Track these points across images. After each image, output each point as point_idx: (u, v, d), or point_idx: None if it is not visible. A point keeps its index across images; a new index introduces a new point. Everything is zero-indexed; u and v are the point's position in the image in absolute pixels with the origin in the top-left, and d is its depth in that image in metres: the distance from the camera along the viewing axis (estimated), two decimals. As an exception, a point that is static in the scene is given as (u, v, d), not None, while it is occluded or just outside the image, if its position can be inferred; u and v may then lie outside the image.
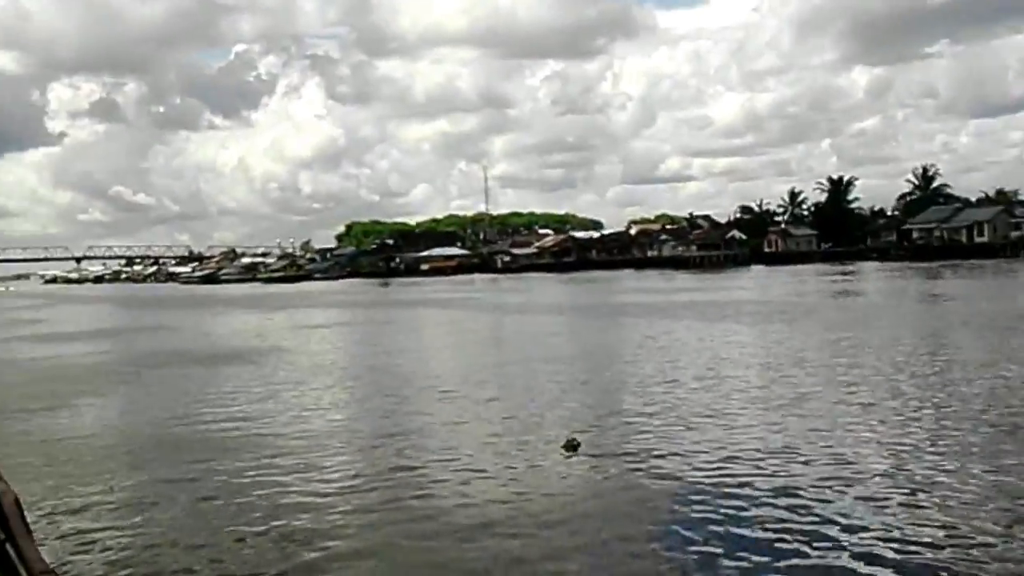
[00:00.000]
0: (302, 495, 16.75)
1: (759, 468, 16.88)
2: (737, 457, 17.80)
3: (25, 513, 8.34)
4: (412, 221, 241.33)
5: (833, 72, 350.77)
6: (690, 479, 16.45)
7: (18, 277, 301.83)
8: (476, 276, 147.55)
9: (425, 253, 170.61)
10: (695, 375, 29.35)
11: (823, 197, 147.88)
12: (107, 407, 30.88)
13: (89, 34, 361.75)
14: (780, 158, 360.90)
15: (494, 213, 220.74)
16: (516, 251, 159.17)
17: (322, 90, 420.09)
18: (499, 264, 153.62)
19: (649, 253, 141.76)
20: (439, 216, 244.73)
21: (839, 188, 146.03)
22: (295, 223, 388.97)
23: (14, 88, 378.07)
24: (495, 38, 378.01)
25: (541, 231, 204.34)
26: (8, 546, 8.04)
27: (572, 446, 19.07)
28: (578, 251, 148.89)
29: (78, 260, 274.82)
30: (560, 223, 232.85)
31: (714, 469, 16.99)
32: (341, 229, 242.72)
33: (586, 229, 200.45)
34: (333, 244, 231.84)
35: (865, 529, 13.05)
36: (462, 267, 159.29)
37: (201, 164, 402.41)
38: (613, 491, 16.06)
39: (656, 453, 18.49)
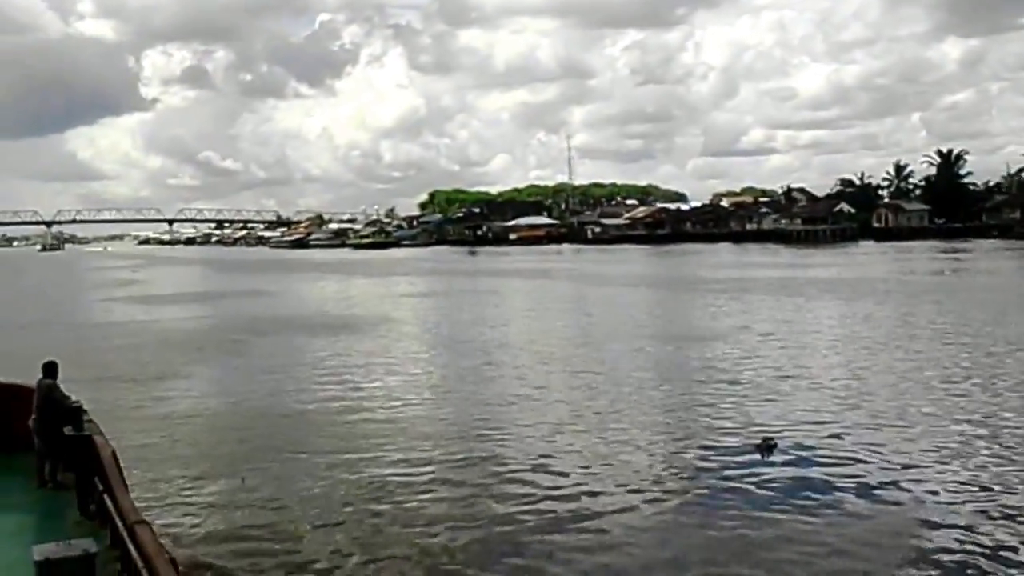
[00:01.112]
0: (395, 478, 16.04)
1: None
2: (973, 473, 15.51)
3: (122, 467, 9.51)
4: (493, 190, 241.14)
5: (924, 43, 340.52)
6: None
7: (112, 238, 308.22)
8: (564, 246, 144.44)
9: (513, 222, 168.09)
10: (855, 366, 26.69)
11: (931, 171, 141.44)
12: (212, 377, 30.07)
13: (182, 2, 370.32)
14: (867, 132, 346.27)
15: (575, 184, 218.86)
16: (606, 221, 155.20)
17: (404, 60, 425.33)
18: (589, 235, 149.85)
19: (748, 226, 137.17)
20: (520, 186, 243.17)
21: (949, 162, 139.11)
22: (376, 191, 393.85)
23: (111, 55, 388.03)
24: (575, 7, 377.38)
25: (628, 202, 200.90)
26: (106, 496, 9.24)
27: (769, 446, 17.11)
28: (672, 223, 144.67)
29: (170, 223, 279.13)
30: (642, 194, 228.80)
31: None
32: (423, 197, 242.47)
33: (669, 201, 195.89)
34: (415, 212, 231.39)
35: None
36: (550, 237, 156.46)
37: (287, 131, 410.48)
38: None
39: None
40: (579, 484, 15.56)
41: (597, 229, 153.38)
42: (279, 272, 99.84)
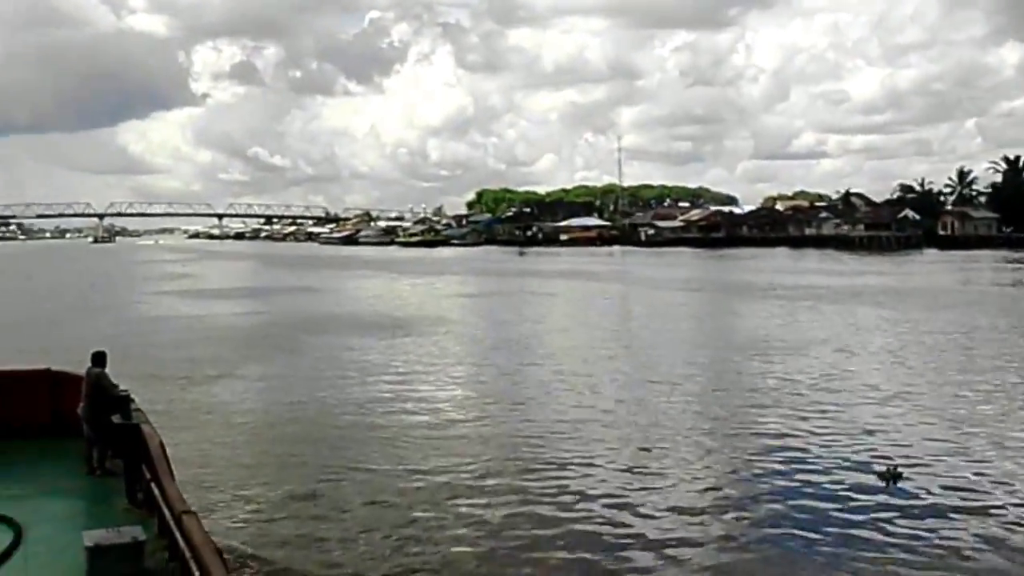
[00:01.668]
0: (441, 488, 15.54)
1: None
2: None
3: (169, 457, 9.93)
4: (541, 190, 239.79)
5: (981, 48, 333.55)
6: None
7: (163, 231, 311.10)
8: (615, 248, 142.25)
9: (564, 223, 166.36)
10: (959, 382, 24.61)
11: (996, 178, 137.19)
12: (264, 375, 29.07)
13: None
14: (921, 137, 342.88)
15: (624, 185, 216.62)
16: (660, 224, 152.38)
17: (452, 58, 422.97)
18: (642, 237, 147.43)
19: (807, 231, 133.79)
20: (568, 186, 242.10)
21: (1016, 168, 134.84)
22: (423, 189, 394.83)
23: (162, 50, 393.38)
24: (625, 8, 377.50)
25: (681, 204, 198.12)
26: (153, 485, 9.68)
27: (894, 475, 15.51)
28: (727, 226, 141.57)
29: (220, 217, 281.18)
30: (693, 197, 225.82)
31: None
32: (470, 196, 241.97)
33: (720, 204, 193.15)
34: (462, 211, 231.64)
35: None
36: (601, 238, 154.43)
37: (335, 128, 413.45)
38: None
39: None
40: (679, 512, 14.23)
41: (650, 231, 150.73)
42: (329, 269, 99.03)
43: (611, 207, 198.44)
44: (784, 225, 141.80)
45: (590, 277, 77.21)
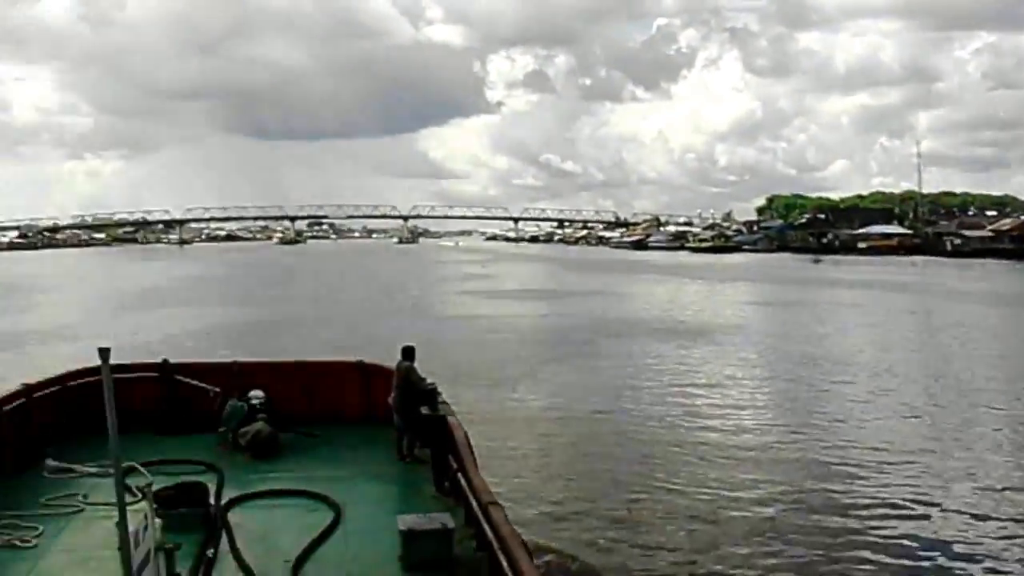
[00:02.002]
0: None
1: None
2: None
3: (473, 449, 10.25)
4: (835, 196, 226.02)
5: None
6: None
7: (461, 233, 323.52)
8: (917, 258, 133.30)
9: (863, 230, 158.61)
10: None
11: None
12: (565, 380, 29.64)
13: (525, 7, 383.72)
14: None
15: (923, 192, 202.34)
16: (968, 233, 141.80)
17: (740, 63, 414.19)
18: (948, 247, 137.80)
19: None
20: (863, 192, 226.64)
21: None
22: (711, 194, 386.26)
23: (460, 60, 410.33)
24: (921, 8, 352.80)
25: (987, 213, 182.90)
26: (460, 475, 9.92)
27: None
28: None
29: (515, 220, 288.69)
30: (999, 205, 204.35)
31: None
32: (758, 202, 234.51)
33: None
34: (751, 216, 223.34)
35: None
36: (902, 247, 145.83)
37: (623, 134, 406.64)
38: None
39: None
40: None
41: (956, 241, 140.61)
42: (620, 273, 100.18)
43: (911, 215, 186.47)
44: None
45: (894, 288, 73.47)
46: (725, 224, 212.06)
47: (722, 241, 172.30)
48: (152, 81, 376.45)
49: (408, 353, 13.00)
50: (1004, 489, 16.68)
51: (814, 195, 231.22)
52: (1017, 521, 14.98)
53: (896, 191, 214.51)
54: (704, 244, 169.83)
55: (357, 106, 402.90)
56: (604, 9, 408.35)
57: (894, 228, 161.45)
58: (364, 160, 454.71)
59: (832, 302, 60.50)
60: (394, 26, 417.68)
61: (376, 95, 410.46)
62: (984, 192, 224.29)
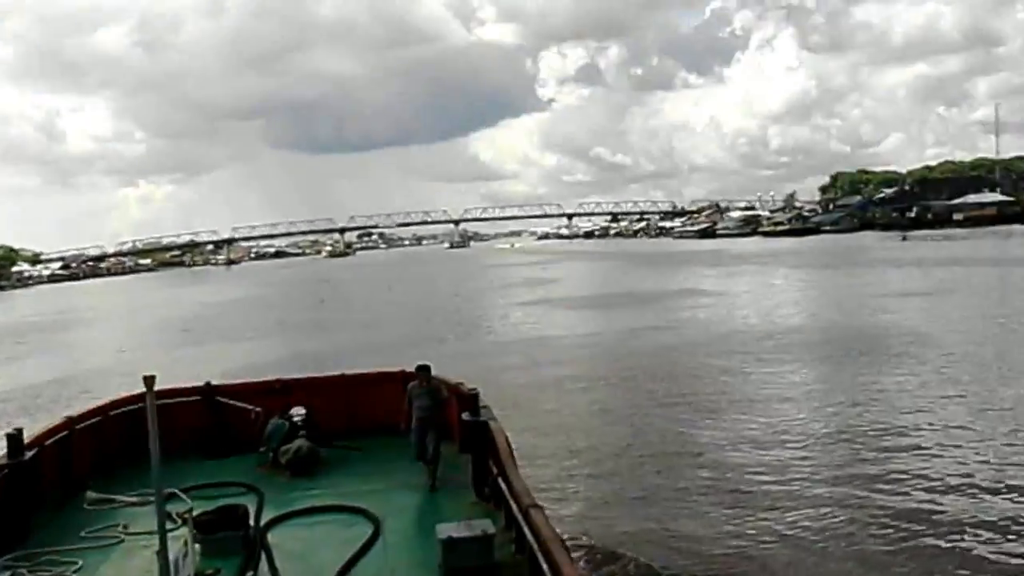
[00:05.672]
0: None
1: None
2: None
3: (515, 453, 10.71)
4: (901, 170, 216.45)
5: None
6: None
7: (511, 234, 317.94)
8: (1017, 227, 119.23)
9: (958, 200, 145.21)
10: None
11: None
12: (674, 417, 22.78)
13: (578, 1, 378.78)
14: None
15: (994, 158, 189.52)
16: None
17: (795, 41, 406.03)
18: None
19: None
20: (931, 163, 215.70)
21: None
22: (762, 177, 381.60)
23: (510, 59, 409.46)
24: None
25: None
26: (500, 480, 10.30)
27: None
28: None
29: (569, 216, 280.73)
30: None
31: None
32: (811, 181, 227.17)
33: None
34: (814, 196, 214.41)
35: None
36: (1003, 217, 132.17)
37: (674, 123, 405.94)
38: None
39: None
40: None
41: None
42: (697, 265, 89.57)
43: (1012, 180, 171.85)
44: None
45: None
46: (798, 206, 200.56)
47: (800, 223, 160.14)
48: (205, 102, 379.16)
49: (427, 371, 12.32)
50: None
51: (879, 169, 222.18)
52: None
53: (966, 160, 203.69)
54: (780, 227, 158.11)
55: (409, 113, 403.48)
56: None
57: (991, 196, 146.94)
58: (415, 167, 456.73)
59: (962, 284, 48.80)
60: (446, 28, 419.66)
61: (428, 100, 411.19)
62: None
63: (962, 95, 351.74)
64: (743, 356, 31.38)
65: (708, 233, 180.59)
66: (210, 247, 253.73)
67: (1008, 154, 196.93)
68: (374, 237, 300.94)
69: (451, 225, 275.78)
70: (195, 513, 8.87)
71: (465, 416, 11.92)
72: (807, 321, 40.96)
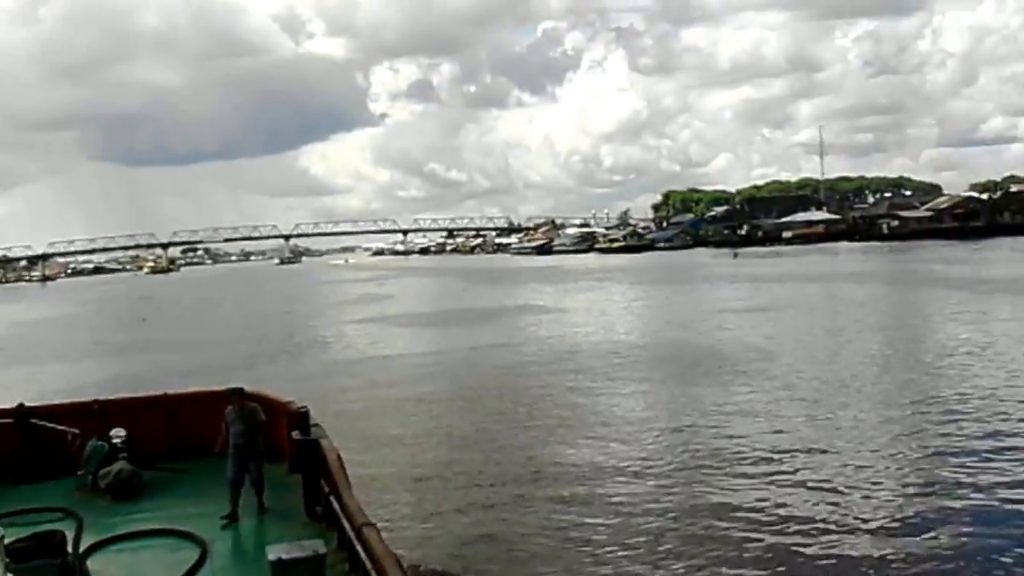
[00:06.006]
0: None
1: None
2: None
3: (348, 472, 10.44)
4: (730, 189, 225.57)
5: None
6: None
7: (345, 249, 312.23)
8: (852, 245, 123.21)
9: (787, 219, 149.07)
10: None
11: None
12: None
13: (409, 17, 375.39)
14: None
15: (819, 178, 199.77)
16: (904, 214, 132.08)
17: (625, 62, 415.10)
18: (884, 230, 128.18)
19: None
20: (758, 183, 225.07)
21: None
22: (596, 195, 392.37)
23: (341, 73, 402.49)
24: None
25: (886, 195, 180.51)
26: (333, 499, 9.99)
27: None
28: (988, 212, 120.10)
29: (405, 232, 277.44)
30: (894, 187, 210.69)
31: None
32: (641, 199, 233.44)
33: (924, 192, 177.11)
34: (648, 214, 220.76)
35: None
36: (829, 234, 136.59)
37: (509, 140, 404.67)
38: None
39: None
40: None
41: (894, 223, 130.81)
42: (537, 282, 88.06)
43: (835, 200, 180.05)
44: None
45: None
46: (632, 223, 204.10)
47: (635, 240, 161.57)
48: (16, 112, 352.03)
49: (239, 394, 11.93)
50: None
51: (709, 188, 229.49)
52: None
53: (794, 179, 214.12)
54: (617, 244, 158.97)
55: (236, 125, 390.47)
56: (489, 15, 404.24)
57: (819, 215, 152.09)
58: (243, 181, 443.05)
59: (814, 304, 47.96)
60: (275, 41, 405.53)
61: (256, 113, 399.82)
62: (882, 175, 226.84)
63: (786, 117, 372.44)
64: (587, 374, 30.16)
65: (545, 249, 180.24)
66: (23, 263, 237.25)
67: (832, 174, 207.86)
68: (200, 252, 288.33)
69: (281, 240, 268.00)
70: (7, 541, 8.39)
71: (295, 435, 11.58)
72: (650, 338, 39.56)
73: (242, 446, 11.38)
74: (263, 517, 11.19)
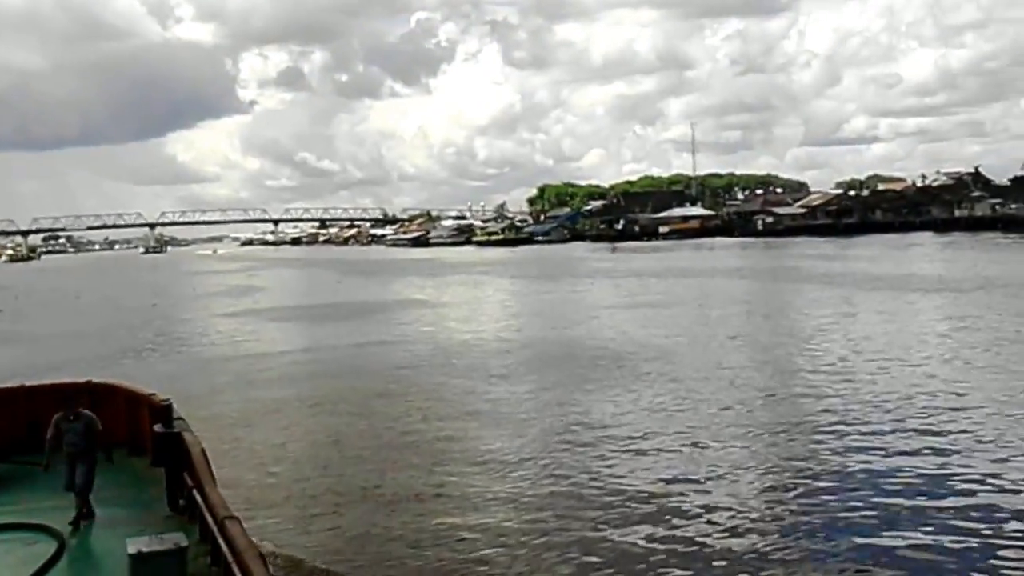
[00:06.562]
0: None
1: None
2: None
3: (211, 464, 10.02)
4: (604, 184, 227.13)
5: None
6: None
7: (213, 239, 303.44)
8: (718, 240, 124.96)
9: (664, 214, 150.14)
10: None
11: None
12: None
13: (280, 4, 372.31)
14: (974, 118, 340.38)
15: (691, 174, 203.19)
16: (778, 211, 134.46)
17: (500, 56, 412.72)
18: (759, 226, 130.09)
19: (956, 212, 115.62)
20: (632, 179, 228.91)
21: None
22: (471, 188, 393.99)
23: (209, 59, 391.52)
24: None
25: (757, 192, 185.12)
26: (196, 492, 9.73)
27: None
28: (861, 209, 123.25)
29: (276, 222, 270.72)
30: (763, 184, 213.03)
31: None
32: (516, 193, 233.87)
33: (793, 190, 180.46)
34: (523, 207, 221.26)
35: None
36: (705, 229, 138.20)
37: (382, 131, 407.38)
38: None
39: None
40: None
41: (768, 219, 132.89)
42: (415, 275, 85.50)
43: (707, 196, 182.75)
44: (927, 206, 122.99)
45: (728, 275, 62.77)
46: (509, 216, 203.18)
47: (513, 233, 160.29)
48: None
49: (80, 402, 11.29)
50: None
51: (583, 183, 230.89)
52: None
53: (666, 176, 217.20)
54: (495, 237, 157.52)
55: (100, 111, 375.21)
56: (362, 4, 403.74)
57: (695, 210, 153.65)
58: (107, 167, 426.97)
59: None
60: (141, 25, 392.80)
61: (121, 99, 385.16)
62: (751, 172, 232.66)
63: (657, 114, 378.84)
64: (470, 372, 28.70)
65: (422, 242, 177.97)
66: None
67: (702, 171, 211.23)
68: (61, 241, 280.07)
69: (146, 229, 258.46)
70: None
71: (157, 428, 11.35)
72: (534, 333, 37.77)
73: (75, 455, 10.67)
74: (125, 510, 10.74)
